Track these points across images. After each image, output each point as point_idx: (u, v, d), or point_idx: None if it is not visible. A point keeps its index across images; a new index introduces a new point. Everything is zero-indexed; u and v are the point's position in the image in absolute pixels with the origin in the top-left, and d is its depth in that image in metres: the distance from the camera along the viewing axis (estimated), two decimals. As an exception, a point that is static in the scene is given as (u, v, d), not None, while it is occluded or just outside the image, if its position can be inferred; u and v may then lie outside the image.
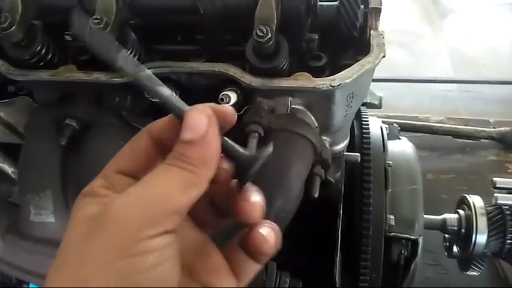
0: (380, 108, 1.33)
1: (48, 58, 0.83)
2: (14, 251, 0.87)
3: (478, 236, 1.21)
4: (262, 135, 0.76)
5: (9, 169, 0.99)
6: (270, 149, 0.48)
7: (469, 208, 1.27)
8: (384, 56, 0.75)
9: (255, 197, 0.49)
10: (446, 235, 1.36)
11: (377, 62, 0.75)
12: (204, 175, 0.46)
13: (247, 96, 0.79)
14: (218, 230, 0.54)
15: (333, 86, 0.73)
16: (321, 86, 0.73)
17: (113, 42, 0.47)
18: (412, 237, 1.07)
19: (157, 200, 0.43)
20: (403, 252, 1.07)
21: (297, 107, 0.79)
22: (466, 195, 1.31)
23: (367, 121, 1.14)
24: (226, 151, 0.48)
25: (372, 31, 0.79)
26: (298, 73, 0.76)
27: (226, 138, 0.49)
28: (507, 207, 1.22)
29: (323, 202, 0.82)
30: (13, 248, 0.87)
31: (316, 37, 0.84)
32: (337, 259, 0.99)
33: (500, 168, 2.21)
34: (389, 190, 1.09)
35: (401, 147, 1.26)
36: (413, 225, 1.08)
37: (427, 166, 2.11)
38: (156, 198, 0.43)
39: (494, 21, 3.36)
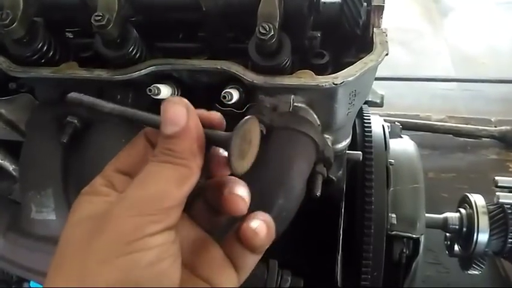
0: (382, 106, 1.33)
1: (50, 55, 0.82)
2: (15, 248, 0.87)
3: (479, 235, 1.21)
4: (265, 133, 0.75)
5: (10, 166, 0.99)
6: (246, 122, 0.48)
7: (471, 207, 1.27)
8: (387, 54, 0.75)
9: (240, 190, 0.50)
10: (448, 234, 1.36)
11: (380, 59, 0.74)
12: (195, 165, 0.46)
13: (249, 94, 0.79)
14: (217, 226, 0.54)
15: (336, 84, 0.72)
16: (323, 84, 0.73)
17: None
18: (414, 236, 1.07)
19: (154, 199, 0.44)
20: (404, 251, 1.07)
21: (299, 105, 0.79)
22: (468, 194, 1.31)
23: (369, 119, 1.14)
24: (208, 137, 0.48)
25: (374, 29, 0.79)
26: (300, 71, 0.76)
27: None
28: (509, 206, 1.22)
29: (325, 200, 0.82)
30: (14, 245, 0.87)
31: (319, 35, 0.83)
32: (339, 258, 0.99)
33: (501, 167, 2.21)
34: (391, 189, 1.09)
35: (403, 146, 1.26)
36: (415, 224, 1.08)
37: (428, 165, 2.11)
38: (153, 196, 0.44)
39: (495, 20, 3.36)
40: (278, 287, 0.87)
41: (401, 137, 1.32)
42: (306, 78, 0.75)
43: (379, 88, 1.37)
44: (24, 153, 0.87)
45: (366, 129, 1.11)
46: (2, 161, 0.99)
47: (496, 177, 1.30)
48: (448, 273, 1.76)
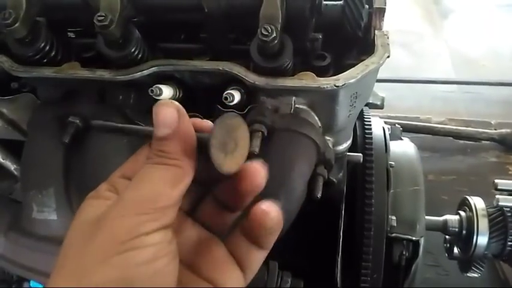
0: (382, 108, 1.33)
1: (52, 55, 0.83)
2: (16, 248, 0.87)
3: (479, 237, 1.21)
4: (266, 134, 0.75)
5: (11, 166, 0.99)
6: (229, 117, 0.48)
7: (470, 210, 1.27)
8: (388, 56, 0.75)
9: (257, 163, 0.51)
10: (447, 236, 1.36)
11: (381, 62, 0.75)
12: (187, 165, 0.47)
13: (250, 95, 0.79)
14: (225, 226, 0.55)
15: (337, 86, 0.72)
16: (325, 86, 0.73)
17: None
18: (414, 238, 1.07)
19: (149, 198, 0.45)
20: (404, 253, 1.07)
21: (301, 106, 0.79)
22: (468, 197, 1.31)
23: (370, 121, 1.14)
24: (198, 140, 0.49)
25: (376, 31, 0.79)
26: (302, 72, 0.76)
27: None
28: (508, 209, 1.22)
29: (325, 202, 0.82)
30: (15, 245, 0.87)
31: (320, 37, 0.83)
32: (339, 259, 0.99)
33: (501, 170, 2.21)
34: (391, 191, 1.08)
35: (404, 148, 1.26)
36: (415, 226, 1.08)
37: (428, 167, 2.11)
38: (147, 196, 0.45)
39: (495, 22, 3.36)
40: (278, 288, 0.88)
41: (401, 139, 1.32)
42: (307, 80, 0.75)
43: (380, 90, 1.37)
44: (25, 152, 0.88)
45: (367, 131, 1.11)
46: (4, 161, 0.99)
47: (496, 180, 1.30)
48: (447, 275, 1.76)
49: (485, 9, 3.52)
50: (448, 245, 1.38)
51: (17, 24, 0.75)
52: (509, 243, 1.21)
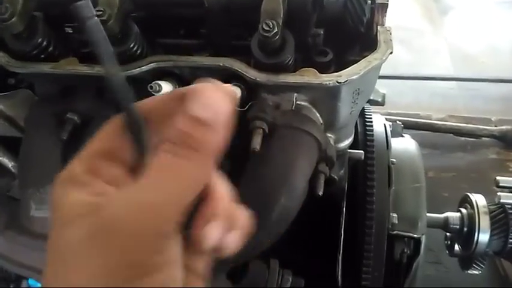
0: (383, 105, 1.32)
1: (49, 50, 0.81)
2: (13, 246, 0.86)
3: (480, 234, 1.21)
4: (267, 131, 0.75)
5: (9, 163, 0.98)
6: None
7: (472, 207, 1.26)
8: (391, 53, 0.74)
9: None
10: (448, 233, 1.36)
11: (384, 58, 0.74)
12: (211, 167, 0.39)
13: (251, 91, 0.78)
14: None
15: (340, 83, 0.72)
16: (327, 83, 0.72)
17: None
18: (415, 235, 1.06)
19: (167, 208, 0.36)
20: (405, 250, 1.06)
21: (302, 103, 0.78)
22: (469, 194, 1.30)
23: (371, 118, 1.13)
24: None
25: (379, 27, 0.78)
26: (304, 69, 0.75)
27: None
28: (510, 206, 1.22)
29: (326, 200, 0.81)
30: (13, 243, 0.86)
31: (322, 32, 0.82)
32: (339, 257, 0.98)
33: (502, 167, 2.20)
34: (393, 188, 1.08)
35: (405, 145, 1.25)
36: (416, 224, 1.07)
37: (429, 164, 2.09)
38: (165, 205, 0.36)
39: (495, 19, 3.36)
40: (279, 286, 0.87)
41: (402, 136, 1.32)
42: (309, 76, 0.74)
43: (379, 86, 1.36)
44: (23, 149, 0.86)
45: (368, 128, 1.10)
46: (1, 158, 0.98)
47: (497, 177, 1.29)
48: (447, 272, 1.76)
49: (485, 5, 3.52)
50: (449, 242, 1.37)
51: (13, 19, 0.74)
52: (511, 240, 1.20)
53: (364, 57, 0.74)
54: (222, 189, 0.42)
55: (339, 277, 0.98)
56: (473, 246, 1.22)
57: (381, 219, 1.03)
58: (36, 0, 0.78)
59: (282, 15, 0.71)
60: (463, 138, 2.29)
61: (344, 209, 1.00)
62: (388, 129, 1.16)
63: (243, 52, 0.77)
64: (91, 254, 0.36)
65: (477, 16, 3.42)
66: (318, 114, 0.80)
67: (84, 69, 0.79)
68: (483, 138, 2.28)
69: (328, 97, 0.77)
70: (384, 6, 0.79)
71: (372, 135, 1.10)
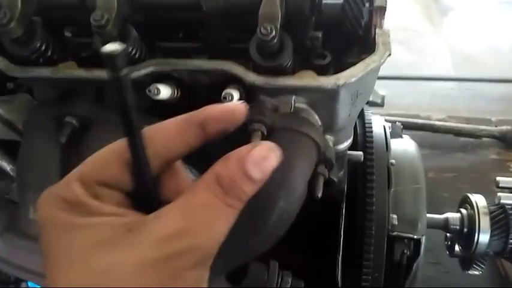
0: (382, 106, 1.32)
1: (48, 55, 0.81)
2: (12, 249, 0.86)
3: (480, 235, 1.21)
4: (266, 134, 0.75)
5: (7, 166, 0.98)
6: None
7: (472, 207, 1.26)
8: (389, 55, 0.74)
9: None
10: (448, 234, 1.36)
11: (382, 60, 0.74)
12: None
13: (250, 94, 0.78)
14: None
15: (338, 85, 0.72)
16: (326, 85, 0.72)
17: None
18: (415, 236, 1.06)
19: (210, 247, 0.41)
20: (405, 251, 1.06)
21: (301, 105, 0.78)
22: (469, 195, 1.30)
23: (370, 119, 1.13)
24: None
25: (377, 29, 0.78)
26: (302, 71, 0.75)
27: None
28: (510, 206, 1.22)
29: (325, 201, 0.81)
30: (11, 246, 0.86)
31: (320, 35, 0.82)
32: (339, 259, 0.98)
33: (502, 167, 2.20)
34: (392, 189, 1.08)
35: (404, 146, 1.25)
36: (416, 225, 1.07)
37: (429, 164, 2.10)
38: (210, 245, 0.41)
39: (495, 19, 3.35)
40: (278, 288, 0.87)
41: (402, 137, 1.32)
42: (308, 79, 0.74)
43: (378, 87, 1.36)
44: (21, 153, 0.86)
45: (367, 129, 1.10)
46: (0, 161, 0.98)
47: (498, 178, 1.29)
48: (447, 273, 1.76)
49: (485, 6, 3.52)
50: (449, 242, 1.37)
51: (12, 24, 0.74)
52: (511, 240, 1.20)
53: (363, 59, 0.74)
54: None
55: (339, 278, 0.98)
56: (474, 246, 1.22)
57: (380, 221, 1.03)
58: (35, 4, 0.78)
59: (280, 19, 0.71)
60: (463, 139, 2.29)
61: (343, 210, 1.00)
62: (388, 131, 1.17)
63: (242, 55, 0.77)
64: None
65: (477, 16, 3.42)
66: (316, 117, 0.80)
67: (82, 73, 0.79)
68: (483, 139, 2.28)
69: (326, 99, 0.77)
70: (382, 9, 0.79)
71: (371, 136, 1.10)
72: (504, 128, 2.27)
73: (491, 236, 1.21)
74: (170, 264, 0.38)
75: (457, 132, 2.27)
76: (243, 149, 0.44)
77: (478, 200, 1.27)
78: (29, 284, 1.11)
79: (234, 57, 0.78)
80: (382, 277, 1.02)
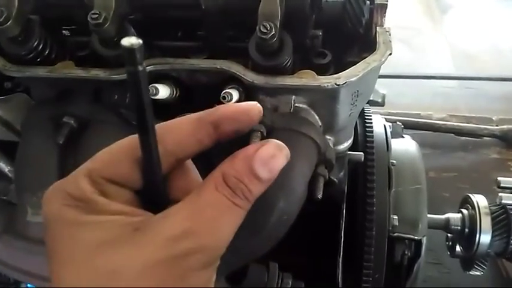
0: (383, 105, 1.31)
1: (46, 54, 0.81)
2: (10, 251, 0.85)
3: (481, 236, 1.20)
4: (265, 134, 0.74)
5: (5, 167, 0.97)
6: None
7: (473, 208, 1.25)
8: (390, 54, 0.74)
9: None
10: (449, 234, 1.35)
11: (383, 59, 0.73)
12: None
13: (249, 94, 0.77)
14: None
15: (338, 85, 0.71)
16: (326, 85, 0.71)
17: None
18: (416, 237, 1.05)
19: (220, 248, 0.41)
20: (406, 252, 1.06)
21: (301, 105, 0.77)
22: (470, 195, 1.29)
23: (371, 119, 1.12)
24: None
25: (378, 28, 0.77)
26: (302, 71, 0.74)
27: None
28: (511, 207, 1.21)
29: (326, 202, 0.80)
30: (9, 248, 0.85)
31: (320, 33, 0.82)
32: (340, 259, 0.97)
33: (503, 166, 2.20)
34: (393, 190, 1.07)
35: (405, 146, 1.24)
36: (417, 226, 1.07)
37: (429, 164, 2.09)
38: (218, 246, 0.41)
39: (496, 18, 3.35)
40: (278, 289, 0.86)
41: (403, 137, 1.31)
42: (307, 78, 0.73)
43: (379, 86, 1.35)
44: (19, 154, 0.86)
45: (368, 129, 1.10)
46: (-3, 162, 0.98)
47: (499, 178, 1.29)
48: (448, 273, 1.75)
49: (485, 4, 3.51)
50: (450, 243, 1.36)
51: (9, 23, 0.73)
52: (512, 241, 1.20)
53: (363, 58, 0.73)
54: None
55: (339, 280, 0.98)
56: (475, 247, 1.21)
57: (381, 221, 1.02)
58: (32, 3, 0.77)
59: (279, 17, 0.70)
60: (464, 138, 2.28)
61: (344, 211, 1.00)
62: (388, 130, 1.16)
63: (241, 54, 0.76)
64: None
65: (478, 14, 3.41)
66: (316, 117, 0.79)
67: (80, 72, 0.79)
68: (484, 138, 2.27)
69: (326, 99, 0.76)
70: (383, 7, 0.78)
71: (372, 136, 1.09)
72: (505, 127, 2.26)
73: (492, 237, 1.20)
74: (178, 264, 0.38)
75: (458, 132, 2.26)
76: (250, 147, 0.43)
77: (479, 200, 1.26)
78: (29, 286, 1.10)
79: (233, 56, 0.77)
80: (383, 278, 1.01)
